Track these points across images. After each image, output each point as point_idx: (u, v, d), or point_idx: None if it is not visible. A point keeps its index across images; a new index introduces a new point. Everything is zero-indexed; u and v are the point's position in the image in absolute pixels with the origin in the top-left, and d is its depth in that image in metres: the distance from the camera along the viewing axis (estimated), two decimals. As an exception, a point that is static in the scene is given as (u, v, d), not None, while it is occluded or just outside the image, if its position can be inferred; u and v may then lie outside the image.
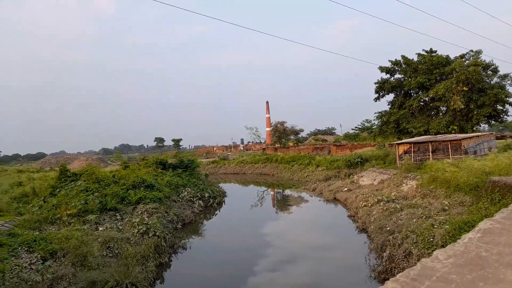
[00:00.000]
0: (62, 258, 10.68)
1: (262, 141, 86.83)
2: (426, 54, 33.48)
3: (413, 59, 33.92)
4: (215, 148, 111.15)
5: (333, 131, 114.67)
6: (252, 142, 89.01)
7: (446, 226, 10.87)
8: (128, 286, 8.80)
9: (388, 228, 14.49)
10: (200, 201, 24.81)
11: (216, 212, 24.93)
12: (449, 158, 22.84)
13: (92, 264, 10.52)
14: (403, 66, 33.97)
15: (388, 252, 11.67)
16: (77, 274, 9.63)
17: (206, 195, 26.18)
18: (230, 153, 74.20)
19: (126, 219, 16.37)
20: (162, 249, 13.92)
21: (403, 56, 33.96)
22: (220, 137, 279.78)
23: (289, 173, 44.02)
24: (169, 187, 24.08)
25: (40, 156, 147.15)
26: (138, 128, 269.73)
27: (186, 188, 25.51)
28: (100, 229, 14.51)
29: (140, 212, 17.95)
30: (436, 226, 12.09)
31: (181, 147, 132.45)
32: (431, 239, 10.75)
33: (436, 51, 33.82)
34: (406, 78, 33.73)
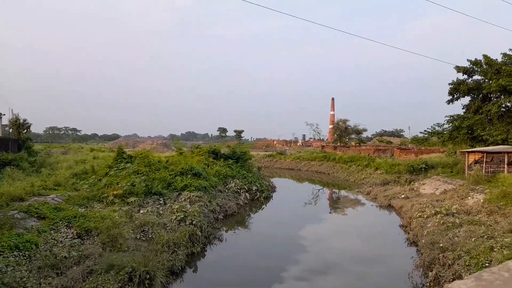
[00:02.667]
0: (95, 237, 11.02)
1: (323, 138, 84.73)
2: (512, 54, 29.61)
3: (496, 59, 30.17)
4: (275, 142, 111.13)
5: (401, 133, 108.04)
6: (314, 138, 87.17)
7: (506, 252, 9.27)
8: (142, 274, 8.69)
9: (441, 245, 12.94)
10: (247, 194, 24.63)
11: (262, 207, 24.59)
12: (528, 173, 19.95)
13: (122, 246, 10.68)
14: (484, 66, 30.34)
15: (434, 272, 10.33)
16: (103, 254, 9.80)
17: (254, 188, 25.92)
18: (287, 148, 73.55)
19: (168, 205, 16.65)
20: (197, 239, 13.83)
21: (484, 56, 30.33)
22: (283, 131, 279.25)
23: (345, 174, 42.28)
24: (218, 176, 24.21)
25: (114, 137, 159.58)
26: (205, 117, 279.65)
27: (235, 180, 25.47)
28: (141, 211, 14.88)
29: (183, 199, 18.21)
30: (496, 250, 10.45)
31: (242, 138, 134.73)
32: (487, 264, 9.26)
33: (526, 51, 29.74)
34: (486, 80, 30.15)
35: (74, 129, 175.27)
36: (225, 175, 25.14)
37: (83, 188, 17.56)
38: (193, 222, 14.52)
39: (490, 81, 29.11)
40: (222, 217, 18.90)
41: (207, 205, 18.55)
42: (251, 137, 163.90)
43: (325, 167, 48.91)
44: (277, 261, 12.63)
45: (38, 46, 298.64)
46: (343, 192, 33.71)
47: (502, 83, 27.43)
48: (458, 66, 31.07)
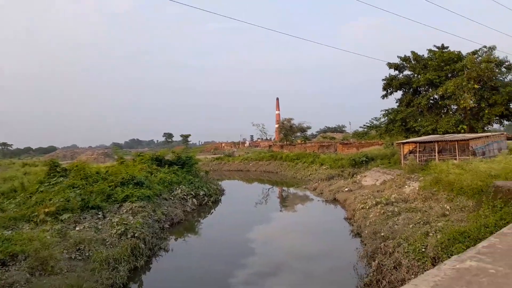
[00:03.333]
0: (22, 262, 9.97)
1: (270, 138, 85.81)
2: (437, 50, 31.96)
3: (423, 55, 32.46)
4: (223, 144, 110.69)
5: (343, 128, 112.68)
6: (262, 138, 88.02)
7: (439, 236, 9.78)
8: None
9: (382, 234, 13.46)
10: (194, 199, 24.04)
11: (211, 211, 24.15)
12: (456, 159, 21.54)
13: (53, 269, 9.76)
14: (413, 62, 32.50)
15: (377, 261, 10.66)
16: (31, 280, 8.87)
17: (201, 193, 25.39)
18: (235, 150, 73.52)
19: (108, 218, 15.66)
20: (140, 252, 13.12)
21: (412, 52, 32.50)
22: (231, 134, 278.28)
23: (292, 171, 43.01)
24: (162, 184, 23.36)
25: (51, 149, 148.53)
26: (149, 123, 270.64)
27: (181, 186, 24.75)
28: (77, 228, 13.82)
29: (125, 210, 17.26)
30: (431, 234, 11.02)
31: (189, 142, 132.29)
32: (423, 250, 9.70)
33: (448, 47, 32.23)
34: (415, 75, 32.29)
35: (4, 144, 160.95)
36: (170, 182, 24.33)
37: (10, 208, 15.96)
38: (135, 235, 13.77)
39: (419, 76, 31.19)
40: (168, 226, 18.19)
41: (151, 215, 17.75)
42: (199, 141, 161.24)
43: (273, 166, 49.43)
44: (225, 267, 12.33)
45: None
46: (290, 190, 34.23)
47: (429, 77, 29.49)
48: (390, 63, 32.95)
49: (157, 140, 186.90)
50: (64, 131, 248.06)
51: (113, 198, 18.17)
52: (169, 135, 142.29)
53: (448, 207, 14.64)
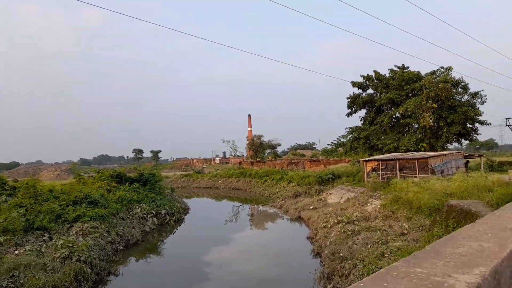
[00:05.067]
0: None
1: (241, 155, 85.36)
2: (398, 70, 32.95)
3: (385, 74, 33.35)
4: (194, 161, 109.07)
5: (313, 146, 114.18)
6: (234, 155, 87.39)
7: (393, 258, 9.58)
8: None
9: (341, 254, 13.17)
10: (155, 219, 23.06)
11: (173, 231, 23.24)
12: (416, 177, 21.86)
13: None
14: (375, 81, 33.32)
15: (332, 284, 10.31)
16: None
17: (163, 211, 24.44)
18: (205, 166, 72.43)
19: (54, 241, 14.57)
20: (86, 277, 12.20)
21: (375, 71, 33.35)
22: (204, 150, 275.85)
23: (261, 188, 42.61)
24: (121, 203, 22.30)
25: (14, 165, 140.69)
26: (119, 138, 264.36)
27: (141, 204, 23.73)
28: (16, 252, 12.72)
29: (75, 231, 16.19)
30: (386, 255, 10.84)
31: (160, 158, 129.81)
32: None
33: (408, 67, 33.32)
34: (377, 93, 33.06)
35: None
36: (129, 200, 23.28)
37: None
38: (81, 258, 12.82)
39: (381, 95, 31.94)
40: (123, 248, 17.21)
41: (104, 236, 16.77)
42: (171, 157, 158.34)
43: (242, 183, 48.87)
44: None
45: None
46: (257, 208, 33.79)
47: (391, 96, 30.24)
48: (353, 82, 33.61)
49: (127, 156, 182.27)
50: (29, 146, 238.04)
51: (63, 218, 17.09)
52: (139, 151, 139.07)
53: (406, 226, 14.62)
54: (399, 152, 28.42)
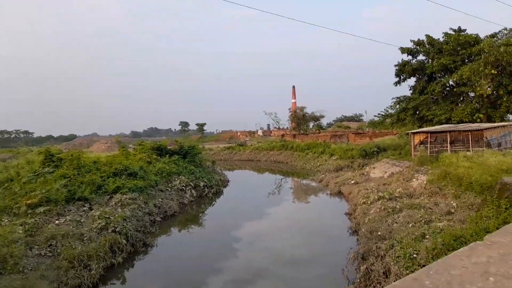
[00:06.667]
0: (-18, 259, 9.42)
1: (285, 127, 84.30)
2: (453, 33, 29.86)
3: (438, 39, 30.41)
4: (239, 133, 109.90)
5: (360, 117, 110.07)
6: (278, 128, 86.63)
7: (438, 239, 8.64)
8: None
9: (379, 233, 12.38)
10: (193, 191, 23.34)
11: (212, 203, 23.47)
12: (469, 151, 20.00)
13: (14, 268, 9.18)
14: (427, 46, 30.49)
15: (365, 266, 9.62)
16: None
17: (201, 184, 24.68)
18: (248, 139, 72.58)
19: (93, 211, 15.08)
20: (120, 248, 12.48)
21: (427, 35, 30.42)
22: (248, 122, 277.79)
23: (302, 162, 41.88)
24: (160, 174, 22.73)
25: (71, 137, 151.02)
26: (168, 111, 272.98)
27: (180, 176, 24.06)
28: (57, 222, 13.28)
29: (114, 202, 16.68)
30: (428, 236, 9.90)
31: (205, 131, 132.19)
32: (415, 255, 8.61)
33: (465, 30, 30.10)
34: (429, 60, 30.33)
35: (26, 132, 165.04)
36: (169, 173, 23.67)
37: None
38: (117, 229, 13.14)
39: (433, 61, 29.28)
40: (160, 219, 17.52)
41: (142, 207, 17.13)
42: (216, 130, 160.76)
43: (283, 156, 48.38)
44: (205, 270, 11.50)
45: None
46: (296, 181, 33.27)
47: (444, 62, 27.59)
48: (403, 47, 31.06)
49: (175, 129, 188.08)
50: (86, 119, 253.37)
51: (103, 189, 17.65)
52: (185, 124, 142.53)
53: (454, 204, 13.42)
54: (451, 123, 26.15)
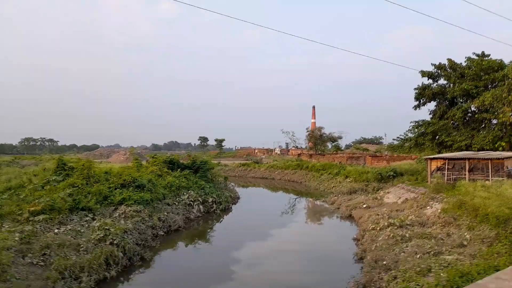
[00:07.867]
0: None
1: (302, 146, 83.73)
2: (476, 58, 29.06)
3: (460, 63, 29.65)
4: (256, 151, 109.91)
5: (380, 140, 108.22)
6: (296, 147, 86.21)
7: (442, 274, 8.02)
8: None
9: (384, 262, 11.72)
10: (201, 206, 23.08)
11: (219, 219, 23.12)
12: (488, 180, 19.03)
13: (2, 276, 9.05)
14: (448, 70, 29.75)
15: (364, 298, 9.03)
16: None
17: (210, 199, 24.39)
18: (264, 157, 72.30)
19: (95, 222, 15.00)
20: (116, 261, 12.25)
21: (448, 59, 29.73)
22: (267, 140, 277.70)
23: (316, 182, 41.14)
24: (169, 188, 22.64)
25: (94, 147, 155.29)
26: (187, 126, 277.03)
27: (189, 191, 23.90)
28: (56, 230, 13.22)
29: (118, 214, 16.60)
30: (434, 270, 9.22)
31: (223, 147, 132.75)
32: (416, 291, 7.99)
33: (489, 55, 29.24)
34: (450, 84, 29.51)
35: (51, 140, 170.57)
36: (178, 187, 23.56)
37: (1, 203, 15.72)
38: (115, 242, 12.94)
39: (454, 86, 28.47)
40: (163, 233, 17.30)
41: (145, 220, 16.96)
42: (235, 146, 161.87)
43: (298, 176, 47.73)
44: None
45: (14, 59, 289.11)
46: (308, 202, 32.56)
47: (466, 87, 26.77)
48: (423, 71, 30.38)
49: (194, 144, 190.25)
50: (109, 130, 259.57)
51: (109, 200, 17.63)
52: (204, 139, 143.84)
53: (468, 236, 12.62)
54: (472, 150, 25.11)
